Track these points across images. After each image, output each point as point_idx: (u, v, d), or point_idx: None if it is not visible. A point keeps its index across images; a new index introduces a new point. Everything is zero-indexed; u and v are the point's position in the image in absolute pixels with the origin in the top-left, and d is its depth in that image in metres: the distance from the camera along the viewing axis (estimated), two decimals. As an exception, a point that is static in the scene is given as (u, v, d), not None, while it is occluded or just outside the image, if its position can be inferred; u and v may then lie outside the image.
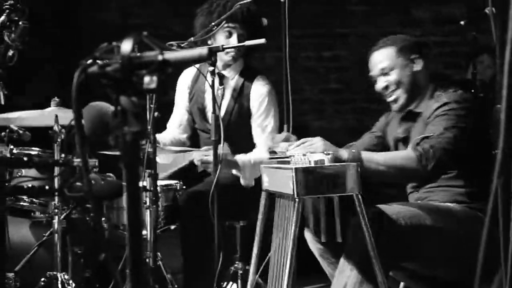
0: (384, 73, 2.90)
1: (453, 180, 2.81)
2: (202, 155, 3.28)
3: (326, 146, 2.66)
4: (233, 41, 3.38)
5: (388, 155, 2.76)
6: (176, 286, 3.31)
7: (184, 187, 3.38)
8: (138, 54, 1.32)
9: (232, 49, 3.34)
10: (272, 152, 2.83)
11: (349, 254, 2.59)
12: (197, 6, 3.52)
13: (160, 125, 3.77)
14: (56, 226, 3.18)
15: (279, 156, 2.76)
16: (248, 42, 3.14)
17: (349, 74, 5.56)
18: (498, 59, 1.50)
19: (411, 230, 2.62)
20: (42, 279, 3.21)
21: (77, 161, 3.04)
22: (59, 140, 3.16)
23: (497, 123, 1.43)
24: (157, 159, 3.03)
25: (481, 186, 2.70)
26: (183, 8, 5.07)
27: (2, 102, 2.99)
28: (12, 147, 3.18)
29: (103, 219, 3.32)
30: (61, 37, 5.07)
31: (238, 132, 3.46)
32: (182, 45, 3.04)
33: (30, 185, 3.22)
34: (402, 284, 3.05)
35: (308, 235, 2.89)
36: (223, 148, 3.02)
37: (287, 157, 2.68)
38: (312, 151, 2.61)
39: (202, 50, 1.42)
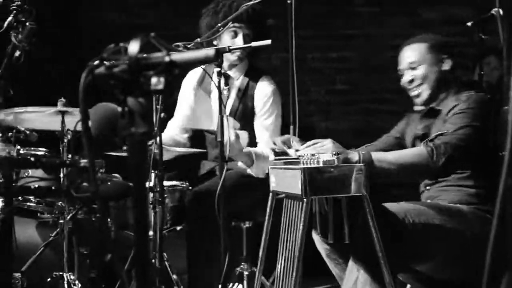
0: (412, 67, 2.93)
1: (466, 180, 2.82)
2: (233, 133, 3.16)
3: (336, 147, 2.67)
4: (239, 41, 3.38)
5: (399, 153, 2.77)
6: (182, 286, 3.31)
7: (190, 188, 3.38)
8: (145, 55, 1.32)
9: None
10: (275, 153, 2.82)
11: (356, 254, 2.59)
12: (201, 7, 3.52)
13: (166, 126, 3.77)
14: (62, 226, 3.19)
15: (287, 157, 2.76)
16: (254, 43, 3.13)
17: (356, 75, 5.54)
18: (505, 60, 1.50)
19: (418, 229, 2.62)
20: (49, 279, 3.22)
21: (84, 161, 3.05)
22: (65, 140, 3.17)
23: (504, 125, 1.42)
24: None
25: (491, 188, 2.69)
26: (183, 8, 5.09)
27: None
28: (19, 147, 3.18)
29: (109, 219, 3.32)
30: (61, 37, 5.06)
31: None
32: (189, 46, 3.03)
33: (37, 186, 3.23)
34: (408, 286, 3.04)
35: (315, 236, 2.89)
36: (232, 122, 2.99)
37: (295, 158, 2.67)
38: (322, 152, 2.61)
39: (209, 51, 1.41)
